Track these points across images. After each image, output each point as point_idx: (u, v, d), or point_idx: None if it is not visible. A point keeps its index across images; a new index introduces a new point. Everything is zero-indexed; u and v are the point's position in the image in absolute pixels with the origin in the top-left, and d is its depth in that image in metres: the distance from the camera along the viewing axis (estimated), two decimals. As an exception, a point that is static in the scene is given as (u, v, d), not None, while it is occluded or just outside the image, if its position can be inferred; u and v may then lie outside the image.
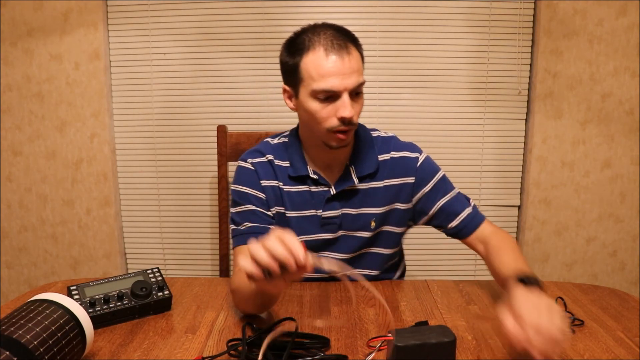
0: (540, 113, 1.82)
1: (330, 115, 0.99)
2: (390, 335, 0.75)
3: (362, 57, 1.03)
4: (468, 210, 1.12)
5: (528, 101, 1.85)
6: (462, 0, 1.78)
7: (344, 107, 0.97)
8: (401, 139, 1.19)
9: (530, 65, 1.83)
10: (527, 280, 0.82)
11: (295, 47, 1.01)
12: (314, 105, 0.99)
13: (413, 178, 1.12)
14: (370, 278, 1.16)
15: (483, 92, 1.85)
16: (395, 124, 1.86)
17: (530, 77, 1.84)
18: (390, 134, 1.18)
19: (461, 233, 1.12)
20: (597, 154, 1.84)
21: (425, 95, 1.84)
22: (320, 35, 0.98)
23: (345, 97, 0.97)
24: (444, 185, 1.13)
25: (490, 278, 1.07)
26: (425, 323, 0.91)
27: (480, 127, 1.87)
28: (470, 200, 1.14)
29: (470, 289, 1.11)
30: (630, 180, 1.86)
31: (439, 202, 1.12)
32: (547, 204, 1.88)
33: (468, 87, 1.84)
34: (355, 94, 1.00)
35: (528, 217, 1.88)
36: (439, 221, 1.13)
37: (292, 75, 1.02)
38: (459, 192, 1.15)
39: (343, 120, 0.98)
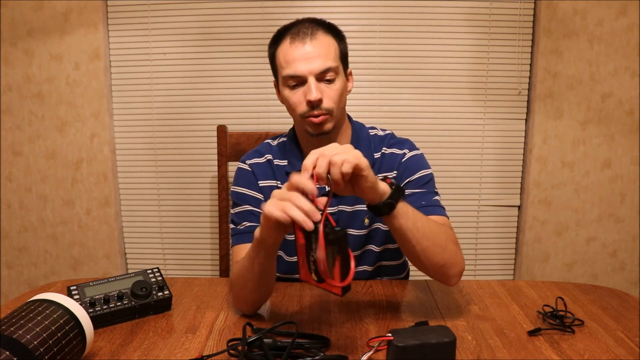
0: (540, 113, 1.82)
1: (300, 100, 1.01)
2: (390, 335, 0.75)
3: (340, 47, 1.05)
4: (425, 201, 1.05)
5: (528, 101, 1.85)
6: (462, 0, 1.78)
7: (310, 91, 0.99)
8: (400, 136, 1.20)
9: (530, 65, 1.83)
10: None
11: (272, 41, 1.08)
12: (286, 92, 1.04)
13: (396, 172, 1.11)
14: (366, 275, 1.16)
15: (483, 92, 1.85)
16: (395, 124, 1.86)
17: (530, 77, 1.84)
18: (387, 132, 1.18)
19: None
20: (597, 154, 1.84)
21: (425, 95, 1.84)
22: (291, 27, 1.04)
23: (311, 80, 0.99)
24: (423, 181, 1.08)
25: (489, 278, 1.07)
26: (425, 323, 0.91)
27: (480, 127, 1.87)
28: (439, 200, 1.07)
29: (470, 289, 1.11)
30: (630, 180, 1.86)
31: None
32: (547, 204, 1.88)
33: (468, 87, 1.84)
34: (327, 80, 1.01)
35: (528, 217, 1.88)
36: None
37: (272, 67, 1.10)
38: (435, 194, 1.08)
39: (311, 104, 0.99)
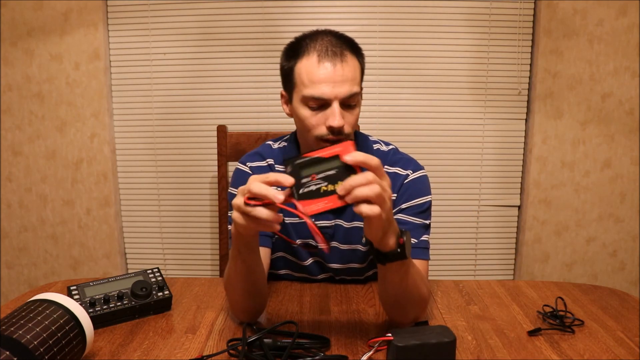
0: (540, 113, 1.82)
1: (319, 123, 0.97)
2: (390, 335, 0.75)
3: (362, 67, 1.00)
4: (415, 238, 1.02)
5: (528, 101, 1.86)
6: (462, 0, 1.78)
7: (334, 116, 0.94)
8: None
9: (530, 65, 1.83)
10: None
11: (292, 52, 0.99)
12: (304, 111, 0.98)
13: (396, 195, 1.06)
14: (370, 279, 1.16)
15: (483, 92, 1.85)
16: (395, 124, 1.86)
17: (530, 77, 1.84)
18: (391, 147, 1.13)
19: None
20: (597, 154, 1.84)
21: (425, 95, 1.84)
22: (317, 41, 0.97)
23: (336, 105, 0.94)
24: (420, 209, 1.05)
25: (489, 278, 1.07)
26: (425, 323, 0.91)
27: (480, 127, 1.87)
28: (428, 241, 1.06)
29: (470, 289, 1.11)
30: (630, 180, 1.86)
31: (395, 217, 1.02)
32: (547, 204, 1.88)
33: (468, 87, 1.84)
34: (348, 105, 0.97)
35: (528, 217, 1.88)
36: None
37: (287, 79, 1.01)
38: (426, 225, 1.06)
39: (332, 130, 0.95)
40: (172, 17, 1.81)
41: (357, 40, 1.06)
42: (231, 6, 1.80)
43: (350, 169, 0.71)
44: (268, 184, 0.71)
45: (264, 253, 1.05)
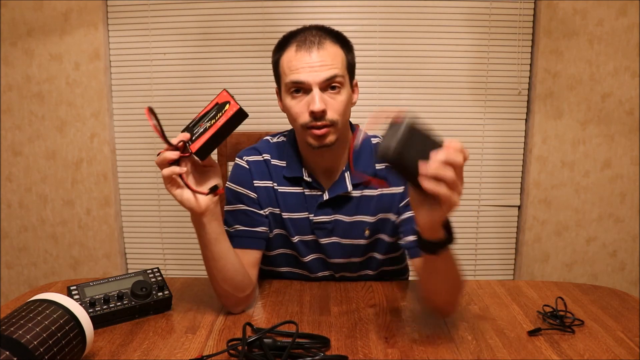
0: (540, 113, 1.82)
1: (303, 110, 0.98)
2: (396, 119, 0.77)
3: (347, 57, 1.02)
4: None
5: (528, 101, 1.86)
6: (462, 0, 1.78)
7: (313, 101, 0.96)
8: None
9: (530, 65, 1.83)
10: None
11: (278, 47, 1.05)
12: (289, 101, 1.01)
13: (402, 188, 1.08)
14: (368, 278, 1.16)
15: (483, 92, 1.85)
16: (395, 124, 1.86)
17: (530, 77, 1.84)
18: None
19: (411, 251, 1.03)
20: (597, 154, 1.84)
21: (425, 95, 1.84)
22: (298, 34, 1.01)
23: (315, 90, 0.96)
24: None
25: (489, 278, 1.07)
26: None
27: (480, 127, 1.87)
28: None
29: (470, 289, 1.11)
30: (630, 180, 1.86)
31: (406, 213, 1.05)
32: (547, 204, 1.88)
33: (468, 87, 1.84)
34: (331, 88, 0.98)
35: (528, 217, 1.88)
36: (400, 231, 1.07)
37: (275, 73, 1.07)
38: None
39: (314, 116, 0.97)
40: (172, 17, 1.81)
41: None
42: (231, 6, 1.80)
43: (222, 105, 0.88)
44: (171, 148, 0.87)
45: (252, 255, 1.05)
